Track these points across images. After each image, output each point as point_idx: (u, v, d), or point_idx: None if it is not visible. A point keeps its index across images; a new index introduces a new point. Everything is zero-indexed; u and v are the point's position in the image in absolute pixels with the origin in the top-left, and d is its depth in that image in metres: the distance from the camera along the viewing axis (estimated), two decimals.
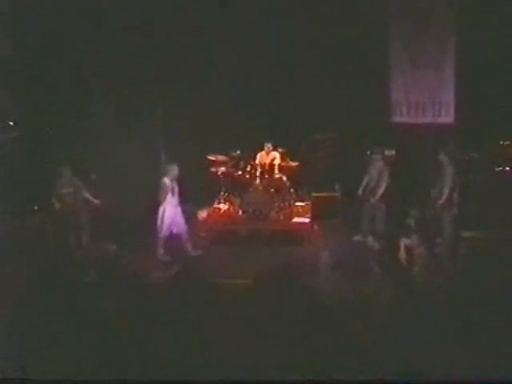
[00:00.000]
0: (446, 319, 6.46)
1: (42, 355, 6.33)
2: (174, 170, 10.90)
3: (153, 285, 7.94)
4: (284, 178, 12.45)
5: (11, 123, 11.80)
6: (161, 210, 10.80)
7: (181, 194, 10.99)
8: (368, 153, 11.77)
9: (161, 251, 10.83)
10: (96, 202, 10.97)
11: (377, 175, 11.45)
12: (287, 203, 12.16)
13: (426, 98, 12.71)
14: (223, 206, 12.45)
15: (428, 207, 10.88)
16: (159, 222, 10.80)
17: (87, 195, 10.97)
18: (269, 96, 12.78)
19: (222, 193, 12.58)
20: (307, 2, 12.21)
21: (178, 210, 10.97)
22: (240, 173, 12.39)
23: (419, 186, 11.30)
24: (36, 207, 11.64)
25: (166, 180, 10.80)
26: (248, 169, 12.29)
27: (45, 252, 9.71)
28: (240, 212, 12.07)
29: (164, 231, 10.82)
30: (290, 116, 12.75)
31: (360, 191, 11.58)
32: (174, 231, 10.96)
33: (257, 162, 12.44)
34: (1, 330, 6.74)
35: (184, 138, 12.68)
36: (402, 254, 10.11)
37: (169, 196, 10.81)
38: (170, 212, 10.84)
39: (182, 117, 12.67)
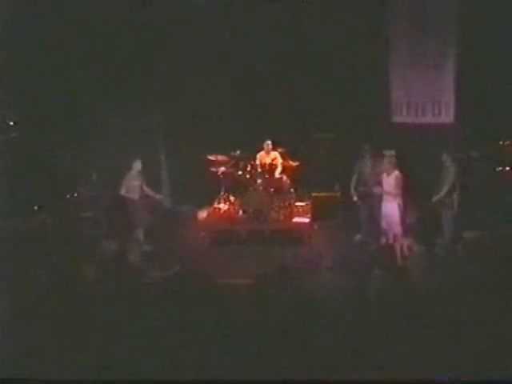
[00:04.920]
0: (445, 319, 6.47)
1: (42, 355, 6.33)
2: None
3: (152, 284, 7.94)
4: (284, 178, 12.45)
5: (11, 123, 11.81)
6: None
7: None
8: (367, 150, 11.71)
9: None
10: (158, 197, 11.55)
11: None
12: (287, 203, 12.16)
13: (426, 98, 12.70)
14: (223, 206, 12.45)
15: (428, 207, 10.90)
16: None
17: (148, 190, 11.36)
18: (269, 96, 12.77)
19: (221, 193, 12.58)
20: (308, 1, 12.21)
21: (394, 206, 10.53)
22: (240, 173, 12.38)
23: (419, 185, 11.30)
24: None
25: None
26: (248, 169, 12.28)
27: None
28: (240, 212, 12.07)
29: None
30: (290, 116, 12.74)
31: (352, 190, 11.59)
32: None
33: (257, 162, 12.44)
34: (1, 330, 6.74)
35: (184, 138, 12.68)
36: (402, 254, 10.13)
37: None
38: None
39: (182, 117, 12.67)
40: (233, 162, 12.60)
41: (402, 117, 12.82)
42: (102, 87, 12.09)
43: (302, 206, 12.36)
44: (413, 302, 6.87)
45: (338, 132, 12.90)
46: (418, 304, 6.83)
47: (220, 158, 12.67)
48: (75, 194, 11.90)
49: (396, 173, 10.57)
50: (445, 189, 10.63)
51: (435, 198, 10.66)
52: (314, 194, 12.53)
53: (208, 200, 12.62)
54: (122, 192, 11.14)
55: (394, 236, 10.46)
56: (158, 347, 6.20)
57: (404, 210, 10.51)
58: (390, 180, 10.60)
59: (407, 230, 10.62)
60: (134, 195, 11.16)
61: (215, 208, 12.48)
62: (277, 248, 11.05)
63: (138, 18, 11.93)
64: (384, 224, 10.59)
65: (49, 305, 7.07)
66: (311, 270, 9.42)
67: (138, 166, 11.20)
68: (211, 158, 12.67)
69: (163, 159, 13.24)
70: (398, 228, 10.47)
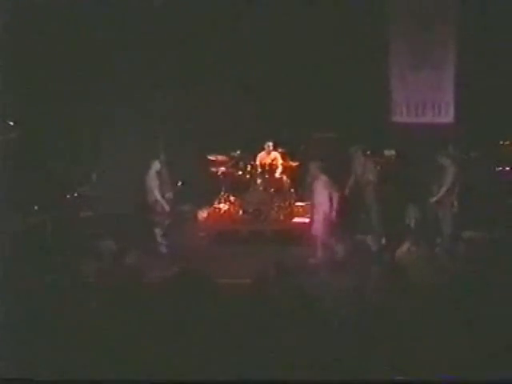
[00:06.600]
0: (444, 319, 6.47)
1: (42, 355, 6.34)
2: None
3: (152, 284, 7.94)
4: (284, 178, 12.45)
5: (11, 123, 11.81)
6: None
7: None
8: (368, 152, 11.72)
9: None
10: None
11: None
12: (287, 203, 12.16)
13: (426, 98, 12.71)
14: (223, 206, 12.46)
15: (428, 207, 10.90)
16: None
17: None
18: (269, 96, 12.78)
19: (222, 193, 12.58)
20: (309, 1, 12.22)
21: None
22: (240, 173, 12.39)
23: (419, 185, 11.31)
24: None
25: None
26: (248, 169, 12.29)
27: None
28: (240, 212, 12.08)
29: None
30: (290, 116, 12.75)
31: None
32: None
33: (257, 162, 12.44)
34: (1, 330, 6.74)
35: (184, 138, 12.69)
36: (402, 254, 10.13)
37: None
38: None
39: (183, 117, 12.68)
40: (233, 162, 12.60)
41: (402, 117, 12.83)
42: (102, 87, 12.11)
43: (302, 205, 12.37)
44: (412, 302, 6.87)
45: (338, 132, 12.91)
46: (417, 304, 6.83)
47: (220, 158, 12.68)
48: (75, 194, 11.90)
49: (323, 178, 10.54)
50: (444, 189, 10.64)
51: (434, 198, 10.67)
52: None
53: (208, 200, 12.63)
54: (158, 197, 11.07)
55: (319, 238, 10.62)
56: (157, 347, 6.20)
57: (328, 215, 10.49)
58: (319, 186, 10.59)
59: (329, 235, 10.65)
60: (169, 196, 11.30)
61: (215, 208, 12.49)
62: (277, 248, 11.05)
63: (138, 19, 11.97)
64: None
65: (49, 305, 7.06)
66: (311, 270, 9.43)
67: (156, 166, 11.22)
68: (211, 157, 12.68)
69: (163, 159, 13.23)
70: (319, 232, 10.58)
